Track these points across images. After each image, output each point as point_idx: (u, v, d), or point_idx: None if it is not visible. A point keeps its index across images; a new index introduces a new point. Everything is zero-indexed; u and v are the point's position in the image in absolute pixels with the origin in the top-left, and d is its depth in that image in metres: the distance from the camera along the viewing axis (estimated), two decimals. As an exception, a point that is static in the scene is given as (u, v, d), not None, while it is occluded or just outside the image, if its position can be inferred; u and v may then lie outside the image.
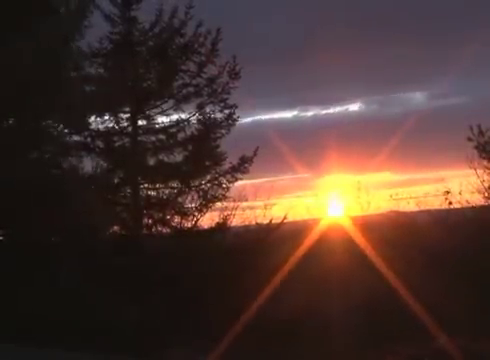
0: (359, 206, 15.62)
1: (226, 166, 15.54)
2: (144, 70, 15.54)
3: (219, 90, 15.55)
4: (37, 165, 12.26)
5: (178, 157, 15.48)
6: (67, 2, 12.15)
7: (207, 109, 15.60)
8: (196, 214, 15.44)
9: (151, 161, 15.51)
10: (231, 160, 15.54)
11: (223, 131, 15.61)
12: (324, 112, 33.82)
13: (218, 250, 14.26)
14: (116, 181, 15.26)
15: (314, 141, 20.44)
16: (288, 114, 36.50)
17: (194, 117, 15.59)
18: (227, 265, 13.08)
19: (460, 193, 13.89)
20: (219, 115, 15.62)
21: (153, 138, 15.47)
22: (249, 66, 16.68)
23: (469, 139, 13.70)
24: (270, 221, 15.38)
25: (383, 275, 11.61)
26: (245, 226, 15.56)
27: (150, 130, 15.51)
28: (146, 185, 15.67)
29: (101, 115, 14.73)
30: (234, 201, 15.44)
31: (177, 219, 15.42)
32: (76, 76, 12.93)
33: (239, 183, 15.79)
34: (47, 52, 11.23)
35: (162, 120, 15.63)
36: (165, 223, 15.36)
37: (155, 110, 15.60)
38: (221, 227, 15.27)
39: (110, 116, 15.05)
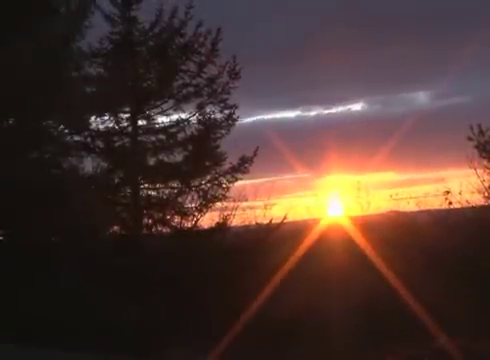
0: (359, 206, 15.66)
1: (226, 166, 15.56)
2: (144, 70, 15.52)
3: (219, 90, 15.55)
4: (37, 165, 12.25)
5: (178, 157, 15.50)
6: (67, 2, 12.14)
7: (207, 109, 15.62)
8: (196, 214, 15.45)
9: (151, 161, 15.52)
10: (231, 160, 15.56)
11: (223, 131, 15.61)
12: (327, 112, 33.86)
13: (218, 250, 14.27)
14: (116, 181, 15.25)
15: (316, 141, 20.43)
16: (291, 114, 36.57)
17: (194, 117, 15.60)
18: (227, 265, 13.08)
19: (460, 193, 13.92)
20: (219, 115, 15.64)
21: (153, 138, 15.47)
22: (249, 66, 16.70)
23: (469, 139, 13.71)
24: (270, 221, 15.40)
25: (383, 275, 11.62)
26: (245, 226, 15.57)
27: (150, 130, 15.50)
28: (146, 185, 15.66)
29: (101, 115, 14.74)
30: (234, 201, 15.47)
31: (177, 219, 15.43)
32: (76, 76, 12.92)
33: (239, 183, 15.82)
34: (47, 52, 11.22)
35: (162, 120, 15.64)
36: (165, 223, 15.35)
37: (155, 110, 15.60)
38: (221, 227, 15.26)
39: (110, 116, 15.04)
